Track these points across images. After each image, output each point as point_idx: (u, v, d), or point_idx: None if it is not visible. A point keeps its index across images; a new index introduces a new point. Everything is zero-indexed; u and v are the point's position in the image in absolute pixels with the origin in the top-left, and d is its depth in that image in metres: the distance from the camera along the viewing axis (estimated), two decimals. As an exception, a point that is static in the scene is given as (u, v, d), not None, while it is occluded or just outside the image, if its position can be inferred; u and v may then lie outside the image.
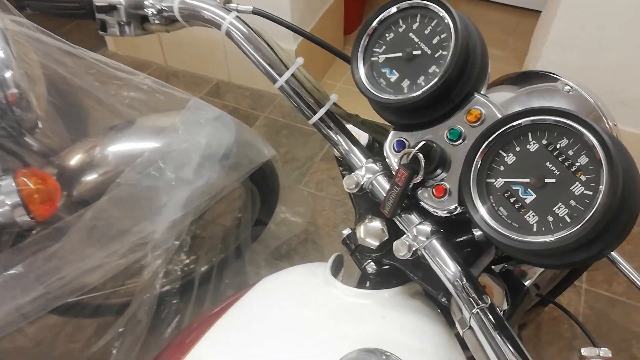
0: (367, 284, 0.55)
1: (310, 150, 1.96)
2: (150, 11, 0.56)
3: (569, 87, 0.55)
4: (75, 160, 1.04)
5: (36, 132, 0.87)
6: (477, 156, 0.42)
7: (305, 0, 1.93)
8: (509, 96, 0.58)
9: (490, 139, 0.42)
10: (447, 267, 0.45)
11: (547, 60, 1.62)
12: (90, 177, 1.02)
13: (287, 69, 0.53)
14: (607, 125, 0.56)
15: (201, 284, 1.37)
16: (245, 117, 2.06)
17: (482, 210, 0.42)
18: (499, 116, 0.45)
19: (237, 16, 0.54)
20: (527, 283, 0.58)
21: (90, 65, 0.94)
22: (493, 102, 0.46)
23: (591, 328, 1.46)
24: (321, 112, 0.54)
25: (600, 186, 0.36)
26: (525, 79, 0.60)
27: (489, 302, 0.42)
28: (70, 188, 1.03)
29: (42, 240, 0.75)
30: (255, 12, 0.56)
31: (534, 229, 0.39)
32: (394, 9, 0.48)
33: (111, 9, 0.56)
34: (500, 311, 0.43)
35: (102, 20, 0.58)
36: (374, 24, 0.49)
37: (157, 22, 0.58)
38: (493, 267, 0.57)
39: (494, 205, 0.42)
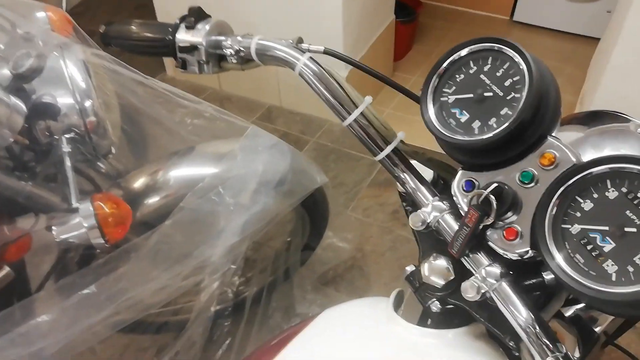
0: (429, 322, 0.55)
1: (358, 175, 1.97)
2: (228, 51, 0.60)
3: (643, 129, 0.54)
4: (139, 183, 1.09)
5: (109, 157, 0.93)
6: (553, 202, 0.42)
7: (357, 28, 1.97)
8: (578, 136, 0.57)
9: (567, 184, 0.42)
10: (518, 312, 0.45)
11: (607, 89, 1.57)
12: (153, 200, 1.07)
13: (356, 107, 0.55)
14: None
15: (251, 306, 1.39)
16: (295, 142, 2.10)
17: (558, 257, 0.41)
18: (573, 160, 0.44)
19: (311, 57, 0.56)
20: (597, 330, 0.56)
21: (159, 95, 1.00)
22: (567, 146, 0.45)
23: (655, 373, 1.37)
24: (388, 149, 0.55)
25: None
26: (594, 118, 0.59)
27: (564, 350, 0.41)
28: (134, 210, 1.08)
29: (112, 262, 0.79)
30: (327, 52, 0.58)
31: (613, 278, 0.39)
32: (465, 52, 0.49)
33: (192, 49, 0.60)
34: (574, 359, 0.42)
35: (183, 59, 0.62)
36: (445, 65, 0.50)
37: (234, 61, 0.61)
38: (562, 311, 0.55)
39: (570, 251, 0.41)
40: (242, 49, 0.59)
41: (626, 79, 1.51)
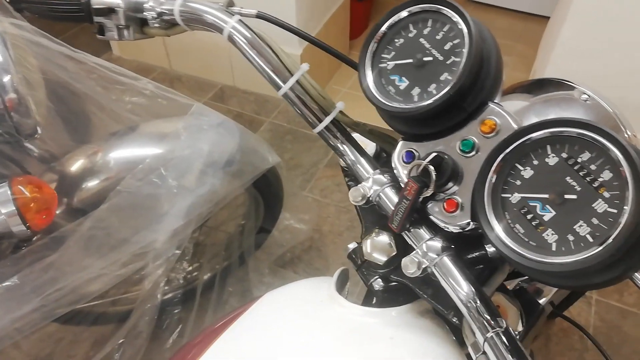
0: (374, 301, 0.52)
1: (314, 156, 1.94)
2: (150, 14, 0.54)
3: (586, 96, 0.52)
4: (75, 166, 1.02)
5: (35, 138, 0.86)
6: (492, 170, 0.40)
7: (311, 5, 1.92)
8: (523, 105, 0.56)
9: (506, 151, 0.39)
10: (459, 287, 0.43)
11: (556, 66, 1.59)
12: (91, 184, 1.00)
13: (292, 75, 0.51)
14: (626, 136, 0.53)
15: (204, 292, 1.35)
16: (250, 122, 2.04)
17: (497, 228, 0.39)
18: (515, 127, 0.42)
19: (240, 20, 0.51)
20: (542, 301, 0.55)
21: (91, 70, 0.93)
22: (509, 112, 0.43)
23: (602, 340, 1.42)
24: (326, 120, 0.52)
25: (625, 205, 0.33)
26: (539, 86, 0.57)
27: (505, 325, 0.40)
28: (70, 195, 1.01)
29: (38, 251, 0.73)
30: (260, 16, 0.54)
31: (553, 248, 0.37)
32: (404, 13, 0.46)
33: (109, 12, 0.54)
34: (515, 334, 0.41)
35: (100, 24, 0.56)
36: (383, 28, 0.47)
37: (157, 25, 0.55)
38: (506, 284, 0.54)
39: (509, 222, 0.39)
40: (165, 11, 0.54)
41: (575, 56, 1.54)
